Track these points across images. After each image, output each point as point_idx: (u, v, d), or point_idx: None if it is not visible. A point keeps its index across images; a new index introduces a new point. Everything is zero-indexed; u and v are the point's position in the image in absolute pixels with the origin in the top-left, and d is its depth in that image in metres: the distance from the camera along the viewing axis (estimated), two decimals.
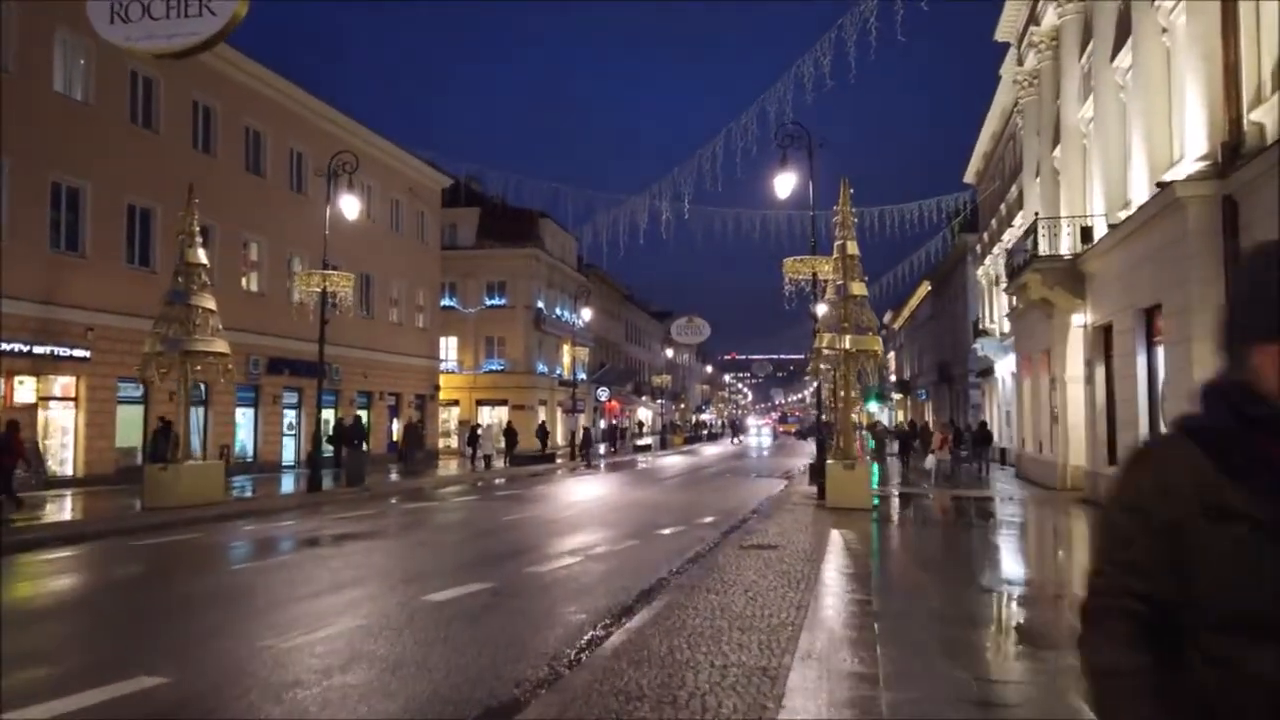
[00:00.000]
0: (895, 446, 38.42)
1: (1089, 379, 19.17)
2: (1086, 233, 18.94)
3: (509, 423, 38.84)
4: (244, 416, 29.75)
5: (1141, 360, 15.67)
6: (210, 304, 17.90)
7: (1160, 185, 13.54)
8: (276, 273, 30.52)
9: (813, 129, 19.37)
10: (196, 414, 27.60)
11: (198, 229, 17.92)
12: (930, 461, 23.04)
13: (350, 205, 21.34)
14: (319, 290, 21.11)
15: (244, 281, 29.55)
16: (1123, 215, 16.94)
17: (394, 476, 27.37)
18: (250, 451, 29.71)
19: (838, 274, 17.51)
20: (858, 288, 17.25)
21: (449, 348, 50.59)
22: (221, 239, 27.99)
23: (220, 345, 17.87)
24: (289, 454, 31.31)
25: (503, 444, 33.87)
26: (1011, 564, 12.22)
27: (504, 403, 50.96)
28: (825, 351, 17.61)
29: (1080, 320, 19.43)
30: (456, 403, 50.26)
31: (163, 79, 25.47)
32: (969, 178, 45.12)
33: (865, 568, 9.96)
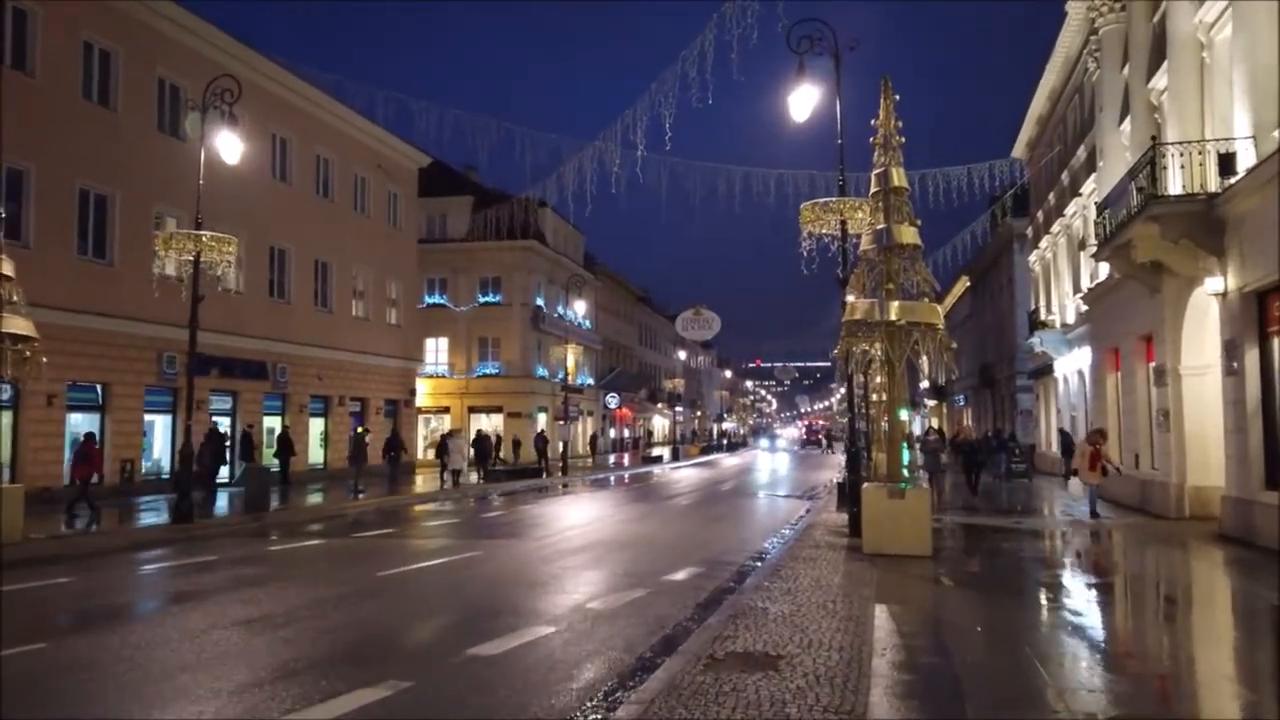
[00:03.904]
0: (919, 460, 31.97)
1: (1231, 369, 13.69)
2: (1226, 163, 13.49)
3: (480, 431, 33.58)
4: (161, 425, 24.95)
5: None
6: (5, 269, 12.90)
7: None
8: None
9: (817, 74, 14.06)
10: (94, 420, 23.08)
11: None
12: (1077, 487, 17.34)
13: (229, 146, 16.27)
14: (190, 259, 16.08)
15: (157, 264, 24.61)
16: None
17: (360, 495, 22.27)
18: (166, 467, 24.81)
19: (877, 216, 12.09)
20: (907, 234, 11.74)
21: (439, 349, 46.27)
22: (124, 211, 23.22)
23: (18, 325, 12.86)
24: (222, 469, 26.30)
25: (470, 454, 28.66)
26: None
27: (499, 409, 46.43)
28: (857, 331, 12.16)
29: (1216, 286, 13.95)
30: (447, 410, 45.82)
31: (41, 13, 20.83)
32: (1018, 151, 39.46)
33: None
